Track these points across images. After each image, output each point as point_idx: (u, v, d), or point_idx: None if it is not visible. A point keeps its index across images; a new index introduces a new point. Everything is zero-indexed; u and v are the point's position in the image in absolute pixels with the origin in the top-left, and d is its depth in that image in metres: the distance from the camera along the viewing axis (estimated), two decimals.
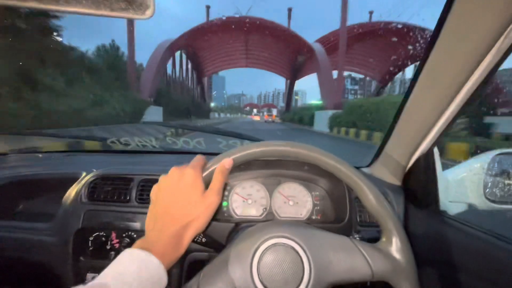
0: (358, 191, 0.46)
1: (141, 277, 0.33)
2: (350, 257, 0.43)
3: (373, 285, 0.49)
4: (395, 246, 0.44)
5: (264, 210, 0.81)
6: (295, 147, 0.46)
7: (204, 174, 0.44)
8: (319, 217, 0.81)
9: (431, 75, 0.61)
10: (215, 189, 0.43)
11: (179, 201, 0.41)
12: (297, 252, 0.43)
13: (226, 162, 0.44)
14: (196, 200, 0.41)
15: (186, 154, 1.22)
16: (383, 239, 0.46)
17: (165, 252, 0.37)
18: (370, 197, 0.45)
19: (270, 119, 42.32)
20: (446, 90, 0.60)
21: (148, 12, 0.36)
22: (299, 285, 0.41)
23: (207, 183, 0.43)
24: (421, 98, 0.66)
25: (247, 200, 0.81)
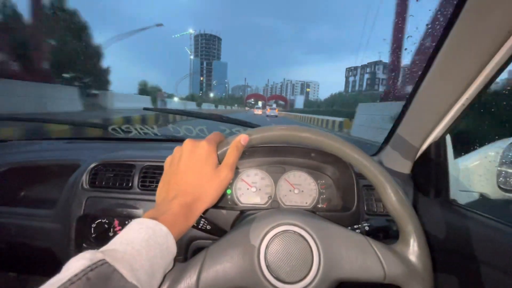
0: (380, 188, 0.43)
1: (150, 245, 0.32)
2: (363, 255, 0.41)
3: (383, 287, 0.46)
4: (412, 250, 0.42)
5: (269, 198, 0.80)
6: (317, 134, 0.43)
7: (220, 151, 0.42)
8: (325, 206, 0.79)
9: (448, 59, 0.59)
10: (229, 163, 0.42)
11: (192, 173, 0.40)
12: (308, 242, 0.41)
13: (242, 137, 0.43)
14: (209, 173, 0.40)
15: None
16: (400, 240, 0.43)
17: (175, 221, 0.36)
18: (392, 196, 0.42)
19: (273, 113, 35.62)
20: (463, 75, 0.57)
21: None
22: (306, 276, 0.40)
23: (221, 160, 0.42)
24: (436, 83, 0.64)
25: (251, 188, 0.80)
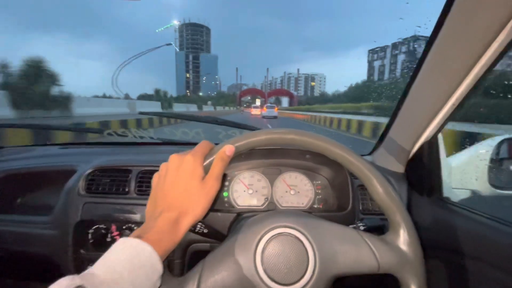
0: (366, 181, 0.44)
1: (133, 265, 0.32)
2: (356, 248, 0.42)
3: (378, 278, 0.48)
4: (403, 239, 0.43)
5: (266, 200, 0.80)
6: (301, 135, 0.44)
7: (205, 162, 0.43)
8: (321, 206, 0.80)
9: (438, 60, 0.60)
10: (213, 175, 0.42)
11: (178, 188, 0.40)
12: (302, 243, 0.42)
13: (227, 148, 0.43)
14: (195, 187, 0.40)
15: (185, 145, 1.20)
16: (391, 231, 0.45)
17: (160, 238, 0.36)
18: (379, 188, 0.43)
19: (271, 114, 25.97)
20: (452, 75, 0.58)
21: None
22: (304, 275, 0.41)
23: (207, 171, 0.42)
24: (427, 83, 0.65)
25: (248, 190, 0.80)
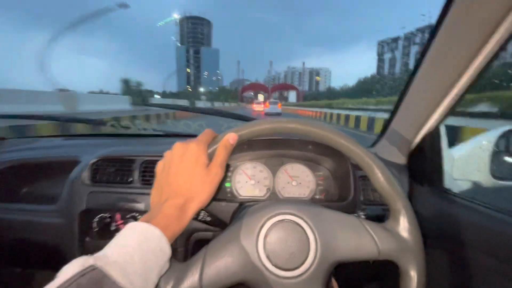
0: (367, 169, 0.45)
1: (143, 248, 0.33)
2: (356, 235, 0.43)
3: (378, 265, 0.49)
4: (403, 226, 0.44)
5: (268, 190, 0.81)
6: (304, 124, 0.44)
7: (209, 150, 0.43)
8: (322, 197, 0.81)
9: (440, 51, 0.60)
10: (217, 162, 0.42)
11: (183, 175, 0.41)
12: (304, 229, 0.43)
13: (230, 136, 0.44)
14: (200, 174, 0.41)
15: (188, 137, 1.21)
16: (391, 218, 0.45)
17: (168, 224, 0.37)
18: (379, 176, 0.44)
19: (274, 110, 23.52)
20: (454, 67, 0.58)
21: None
22: (305, 261, 0.41)
23: (211, 159, 0.43)
24: (429, 74, 0.65)
25: (250, 180, 0.81)
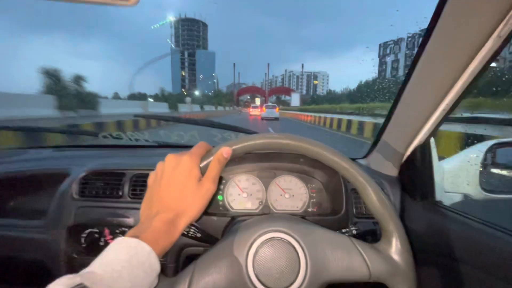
0: (361, 189, 0.45)
1: (132, 265, 0.32)
2: (348, 256, 0.43)
3: (369, 286, 0.48)
4: (395, 248, 0.43)
5: (260, 203, 0.80)
6: (298, 140, 0.44)
7: (202, 164, 0.43)
8: (315, 210, 0.80)
9: (429, 65, 0.61)
10: (210, 176, 0.42)
11: (174, 188, 0.40)
12: (294, 248, 0.42)
13: (224, 150, 0.43)
14: (192, 188, 0.40)
15: (180, 148, 1.20)
16: (383, 240, 0.45)
17: (157, 238, 0.36)
18: (373, 196, 0.44)
19: (271, 115, 22.45)
20: (443, 81, 0.59)
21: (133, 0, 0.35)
22: (294, 281, 0.41)
23: (204, 172, 0.42)
24: (418, 88, 0.66)
25: (242, 193, 0.80)
